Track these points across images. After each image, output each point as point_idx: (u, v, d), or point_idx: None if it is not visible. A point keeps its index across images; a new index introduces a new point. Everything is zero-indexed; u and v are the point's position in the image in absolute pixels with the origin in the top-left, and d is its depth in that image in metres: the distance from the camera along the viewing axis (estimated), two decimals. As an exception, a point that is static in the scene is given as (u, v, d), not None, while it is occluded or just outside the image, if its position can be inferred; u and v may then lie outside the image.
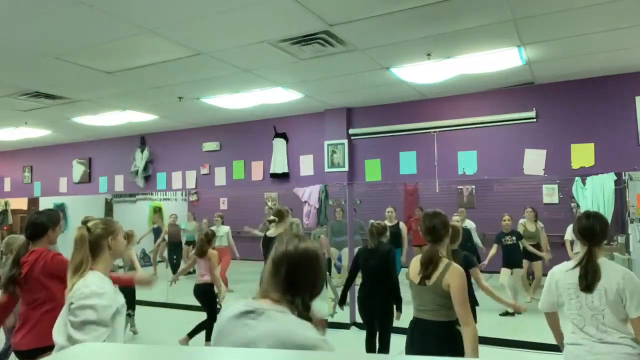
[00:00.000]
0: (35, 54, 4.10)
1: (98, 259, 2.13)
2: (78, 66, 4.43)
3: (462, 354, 2.63)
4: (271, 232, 4.87)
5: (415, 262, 2.87)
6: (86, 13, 3.27)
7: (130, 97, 5.63)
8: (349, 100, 6.10)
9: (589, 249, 2.56)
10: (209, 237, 5.52)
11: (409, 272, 2.89)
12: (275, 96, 5.65)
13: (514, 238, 6.84)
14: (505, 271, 6.78)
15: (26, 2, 3.10)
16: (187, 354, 1.00)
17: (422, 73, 4.79)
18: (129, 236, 5.89)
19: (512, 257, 6.83)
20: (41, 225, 2.89)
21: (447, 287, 2.68)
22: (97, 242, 2.12)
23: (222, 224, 8.89)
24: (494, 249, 6.90)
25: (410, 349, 2.91)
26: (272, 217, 4.94)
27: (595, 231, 2.57)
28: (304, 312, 1.43)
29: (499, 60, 4.44)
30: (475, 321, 4.10)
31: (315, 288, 1.50)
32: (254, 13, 3.35)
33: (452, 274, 2.69)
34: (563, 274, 2.63)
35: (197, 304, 5.49)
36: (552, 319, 2.81)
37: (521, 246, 6.96)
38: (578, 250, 3.43)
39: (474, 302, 4.04)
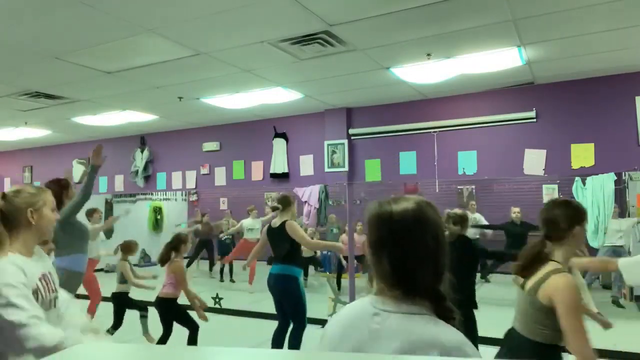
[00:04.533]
0: (35, 54, 4.10)
1: (15, 236, 1.71)
2: (78, 66, 4.43)
3: None
4: (275, 222, 4.31)
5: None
6: (86, 13, 3.26)
7: (130, 97, 5.63)
8: (349, 100, 6.10)
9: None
10: (178, 241, 4.49)
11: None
12: (275, 96, 5.65)
13: None
14: None
15: (26, 2, 3.10)
16: (187, 354, 1.00)
17: (422, 73, 4.79)
18: (129, 246, 5.68)
19: None
20: None
21: (547, 301, 2.00)
22: (13, 215, 1.70)
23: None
24: None
25: None
26: (275, 204, 4.29)
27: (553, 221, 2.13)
28: (439, 307, 1.07)
29: (499, 60, 4.44)
30: (474, 326, 3.90)
31: (437, 264, 1.08)
32: (254, 13, 3.35)
33: (554, 285, 1.97)
34: None
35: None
36: None
37: None
38: None
39: (471, 304, 3.79)
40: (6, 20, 3.40)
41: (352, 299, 6.06)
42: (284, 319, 4.35)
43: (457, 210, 4.11)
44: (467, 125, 5.68)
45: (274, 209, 4.42)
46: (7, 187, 9.93)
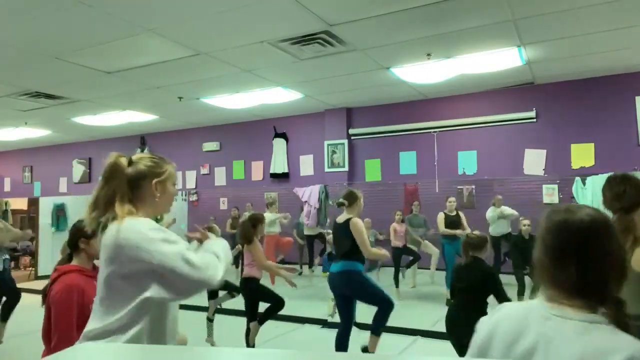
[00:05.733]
0: (35, 54, 4.10)
1: (138, 204, 1.43)
2: (78, 66, 4.43)
3: None
4: (341, 218, 4.13)
5: None
6: (86, 13, 3.27)
7: (130, 97, 5.63)
8: (349, 100, 6.10)
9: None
10: (255, 220, 4.39)
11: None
12: (275, 96, 5.66)
13: None
14: None
15: (26, 2, 3.10)
16: (187, 354, 1.00)
17: (422, 73, 4.79)
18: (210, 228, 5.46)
19: None
20: (74, 232, 2.15)
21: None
22: (136, 182, 1.44)
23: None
24: None
25: None
26: (341, 200, 4.13)
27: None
28: (619, 314, 1.02)
29: (499, 60, 4.45)
30: None
31: (621, 272, 1.04)
32: (254, 13, 3.35)
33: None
34: None
35: (204, 304, 5.10)
36: None
37: None
38: None
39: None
40: (6, 20, 3.40)
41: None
42: (346, 321, 4.17)
43: (477, 232, 3.95)
44: (467, 125, 5.68)
45: (339, 204, 4.24)
46: (7, 187, 9.95)
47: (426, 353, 4.33)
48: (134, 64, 4.42)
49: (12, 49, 3.98)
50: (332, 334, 4.72)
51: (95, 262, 2.18)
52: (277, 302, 4.30)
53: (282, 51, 4.12)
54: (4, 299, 4.36)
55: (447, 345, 3.31)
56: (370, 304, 3.96)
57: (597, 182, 5.05)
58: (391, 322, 3.96)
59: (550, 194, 9.74)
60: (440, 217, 6.68)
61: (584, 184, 5.28)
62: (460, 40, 3.95)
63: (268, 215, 8.57)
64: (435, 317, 5.48)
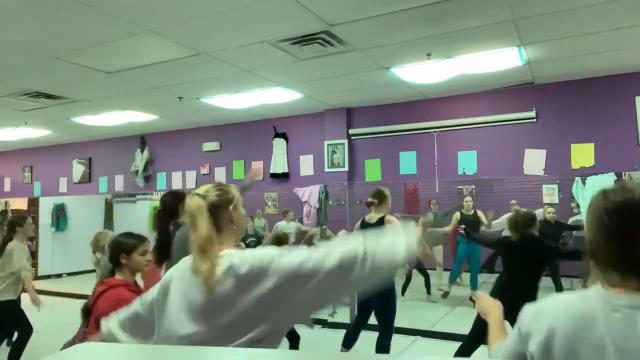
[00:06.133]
0: (35, 54, 4.10)
1: (220, 236, 1.45)
2: (78, 66, 4.43)
3: None
4: (370, 217, 4.03)
5: None
6: (86, 13, 3.27)
7: (130, 97, 5.63)
8: (349, 100, 6.10)
9: None
10: (278, 241, 4.25)
11: None
12: (275, 96, 5.66)
13: None
14: None
15: (26, 2, 3.10)
16: (187, 354, 1.00)
17: (422, 73, 4.79)
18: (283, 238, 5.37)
19: None
20: (114, 247, 2.17)
21: None
22: (215, 214, 1.45)
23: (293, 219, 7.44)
24: None
25: None
26: (370, 200, 4.05)
27: None
28: None
29: (499, 60, 4.45)
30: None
31: None
32: (254, 13, 3.35)
33: None
34: None
35: None
36: None
37: None
38: None
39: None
40: (7, 21, 3.40)
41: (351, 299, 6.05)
42: (362, 318, 4.08)
43: (525, 210, 3.90)
44: (467, 125, 5.68)
45: (368, 204, 4.10)
46: (7, 187, 9.94)
47: (426, 353, 4.34)
48: (134, 64, 4.42)
49: (12, 49, 3.98)
50: (332, 333, 4.73)
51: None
52: (293, 339, 4.14)
53: (282, 51, 4.12)
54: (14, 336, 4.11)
55: (447, 345, 3.32)
56: (379, 322, 3.83)
57: (597, 182, 5.04)
58: (391, 322, 3.94)
59: (550, 194, 9.74)
60: (456, 216, 6.61)
61: (584, 184, 5.28)
62: (460, 40, 3.96)
63: (283, 226, 8.34)
64: (435, 317, 5.49)
